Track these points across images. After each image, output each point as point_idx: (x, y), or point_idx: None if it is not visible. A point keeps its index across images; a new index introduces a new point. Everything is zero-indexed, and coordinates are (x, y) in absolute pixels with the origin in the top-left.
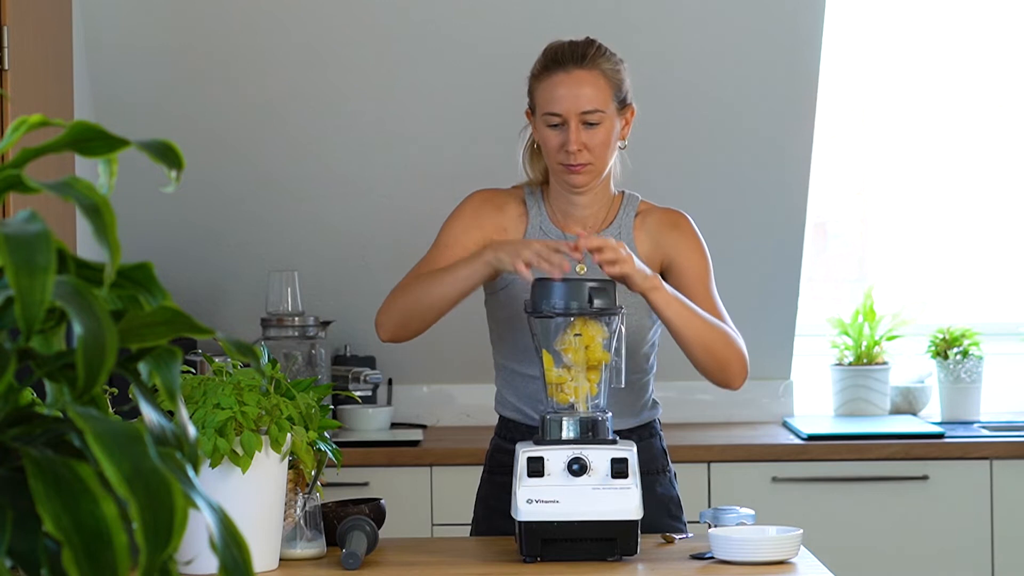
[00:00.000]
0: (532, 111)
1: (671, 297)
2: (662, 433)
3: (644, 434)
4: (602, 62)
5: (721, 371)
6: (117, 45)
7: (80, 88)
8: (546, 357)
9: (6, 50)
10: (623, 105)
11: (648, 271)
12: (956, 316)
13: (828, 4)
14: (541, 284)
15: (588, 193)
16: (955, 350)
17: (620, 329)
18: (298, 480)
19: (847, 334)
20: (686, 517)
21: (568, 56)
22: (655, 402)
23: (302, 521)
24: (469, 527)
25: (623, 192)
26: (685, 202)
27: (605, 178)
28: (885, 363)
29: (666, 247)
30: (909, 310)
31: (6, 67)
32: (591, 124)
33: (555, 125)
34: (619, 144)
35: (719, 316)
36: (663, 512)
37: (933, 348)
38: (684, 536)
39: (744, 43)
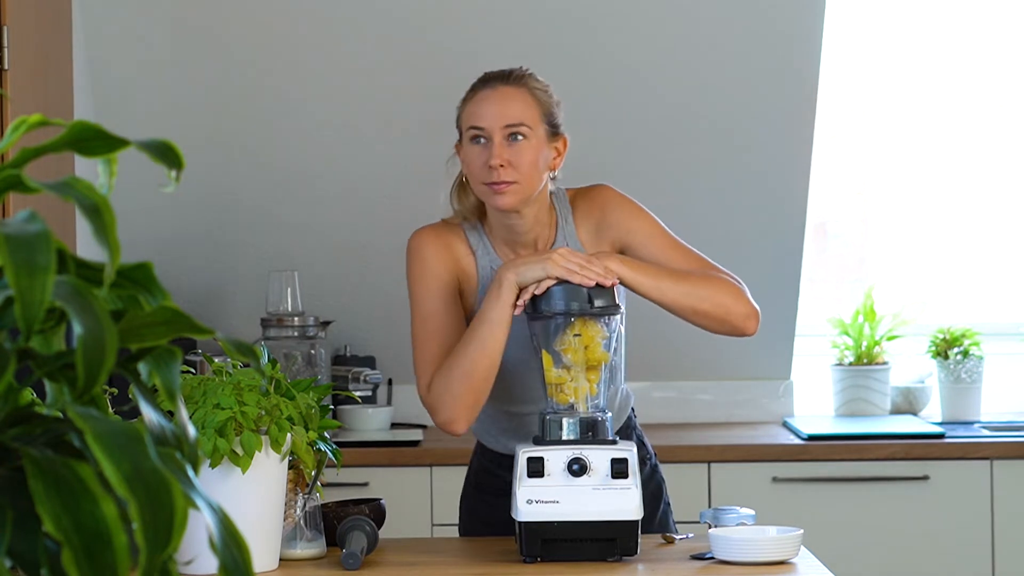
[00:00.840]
0: (460, 138)
1: (620, 261)
2: (636, 422)
3: (621, 435)
4: (530, 82)
5: (723, 323)
6: (117, 44)
7: (80, 88)
8: (546, 357)
9: (6, 50)
10: (554, 132)
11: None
12: (956, 316)
13: (828, 4)
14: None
15: (526, 216)
16: (955, 350)
17: (620, 329)
18: (298, 480)
19: (847, 334)
20: (687, 517)
21: (495, 76)
22: (628, 393)
23: (302, 521)
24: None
25: (551, 194)
26: (686, 202)
27: (540, 199)
28: (885, 363)
29: (608, 231)
30: (909, 310)
31: (6, 67)
32: (516, 138)
33: (479, 139)
34: (549, 174)
35: (703, 264)
36: (647, 498)
37: (933, 348)
38: (684, 536)
39: (744, 43)
